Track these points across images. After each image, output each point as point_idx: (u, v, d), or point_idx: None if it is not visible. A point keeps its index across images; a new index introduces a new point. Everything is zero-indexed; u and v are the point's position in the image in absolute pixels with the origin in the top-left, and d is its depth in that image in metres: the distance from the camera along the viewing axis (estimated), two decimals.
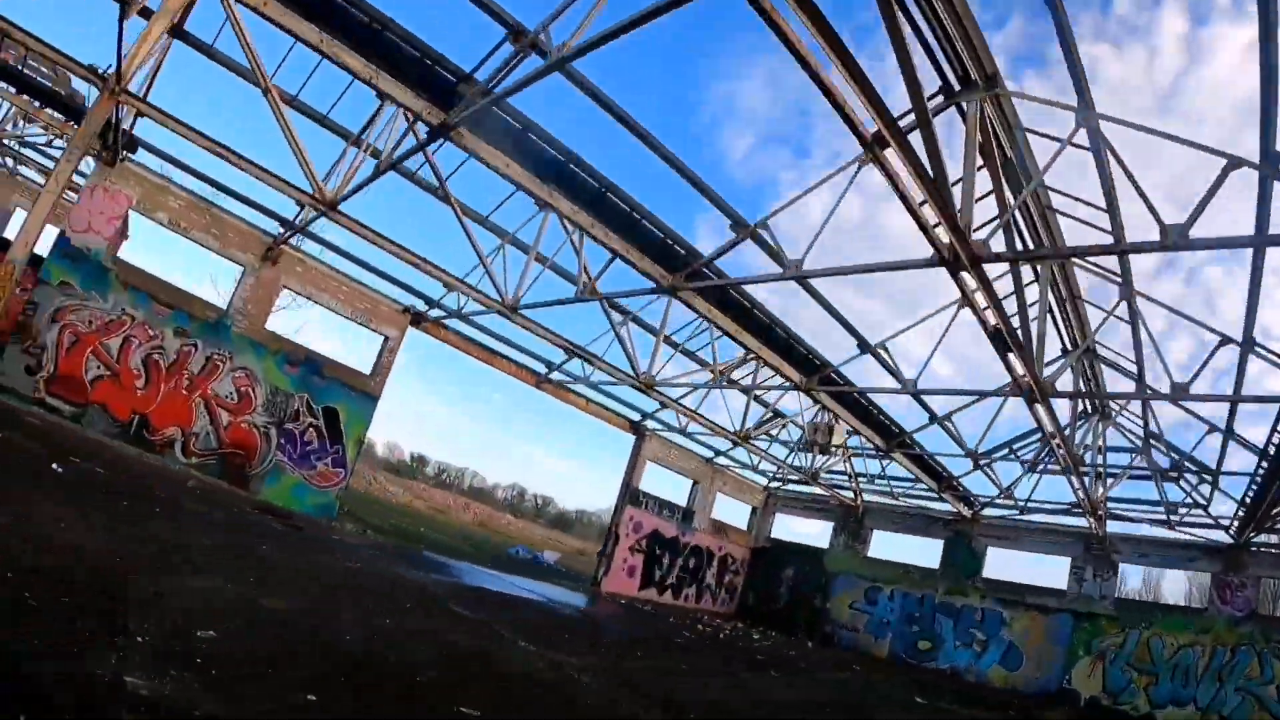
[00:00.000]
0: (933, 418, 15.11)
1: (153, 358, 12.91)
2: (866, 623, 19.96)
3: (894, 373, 12.34)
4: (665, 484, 24.09)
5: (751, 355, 13.46)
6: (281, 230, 13.95)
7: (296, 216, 13.35)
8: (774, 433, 20.11)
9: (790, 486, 23.85)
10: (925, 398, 14.28)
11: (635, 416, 21.47)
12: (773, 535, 23.89)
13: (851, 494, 21.68)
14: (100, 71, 10.63)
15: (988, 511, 19.57)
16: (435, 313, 16.38)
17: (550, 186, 9.49)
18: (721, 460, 23.26)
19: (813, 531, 32.80)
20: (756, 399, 17.97)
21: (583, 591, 19.39)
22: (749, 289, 11.72)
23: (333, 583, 8.73)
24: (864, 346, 12.55)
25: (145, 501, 9.39)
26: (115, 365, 12.56)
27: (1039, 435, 15.24)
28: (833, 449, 18.83)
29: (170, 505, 9.78)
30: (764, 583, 22.74)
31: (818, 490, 22.01)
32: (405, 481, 47.51)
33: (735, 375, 18.62)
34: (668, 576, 21.54)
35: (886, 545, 22.84)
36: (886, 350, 12.34)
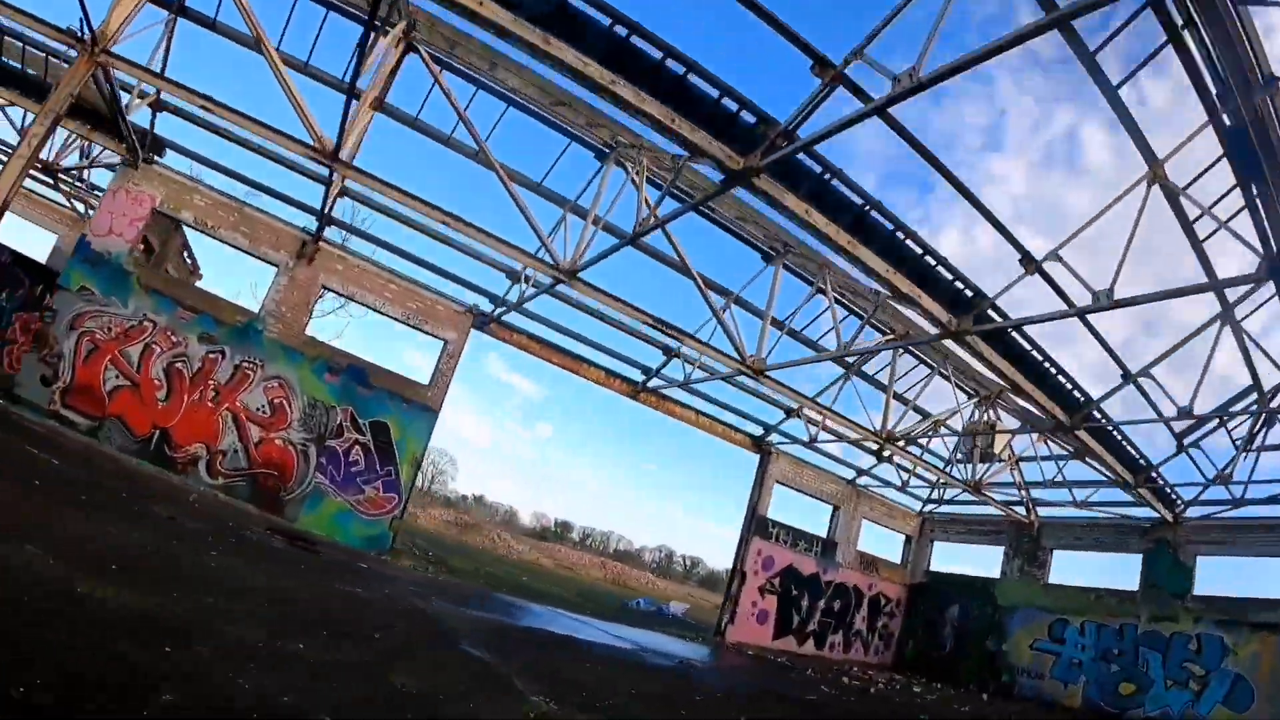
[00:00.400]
0: (1126, 376, 10.43)
1: (175, 366, 11.53)
2: (1053, 665, 15.47)
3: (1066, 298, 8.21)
4: (798, 512, 19.44)
5: (887, 294, 9.71)
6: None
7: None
8: (924, 440, 15.72)
9: (947, 508, 19.63)
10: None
11: (757, 431, 17.78)
12: (931, 568, 19.54)
13: (1023, 509, 16.87)
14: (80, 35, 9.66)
15: (1192, 511, 14.65)
16: (506, 313, 14.14)
17: (849, 235, 8.56)
18: (864, 481, 19.12)
19: (979, 559, 27.39)
20: (898, 397, 13.96)
21: (701, 642, 15.62)
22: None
23: (301, 609, 6.06)
24: (1028, 262, 8.47)
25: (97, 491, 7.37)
26: (135, 375, 11.27)
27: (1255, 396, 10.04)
28: (996, 456, 14.40)
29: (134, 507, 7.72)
30: (924, 625, 18.46)
31: (982, 510, 17.89)
32: (543, 544, 45.86)
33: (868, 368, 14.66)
34: (808, 622, 17.39)
35: (1070, 567, 18.48)
36: (1061, 259, 8.10)
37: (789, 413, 17.23)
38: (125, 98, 10.75)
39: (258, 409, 11.99)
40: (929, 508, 19.87)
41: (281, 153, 11.18)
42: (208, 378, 11.68)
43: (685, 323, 16.30)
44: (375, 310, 13.31)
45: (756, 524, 17.17)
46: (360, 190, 12.61)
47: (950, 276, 9.34)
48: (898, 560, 19.68)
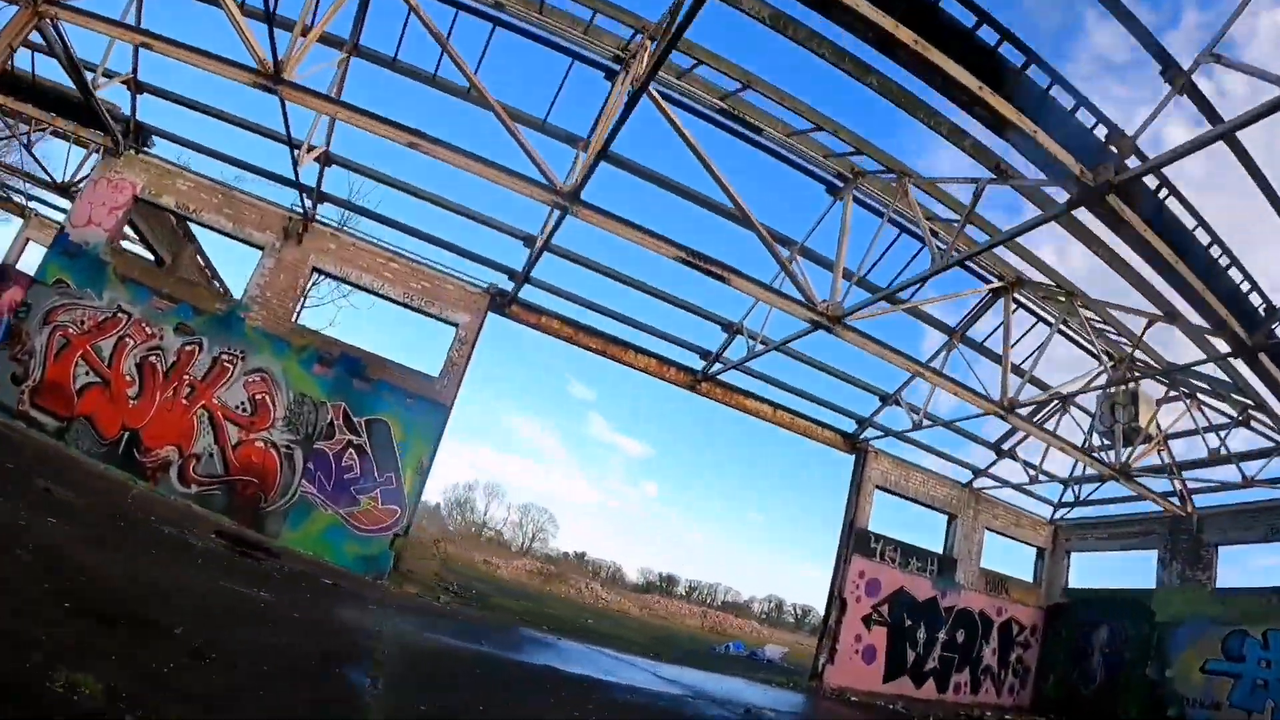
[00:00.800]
0: None
1: (149, 361, 10.30)
2: (1232, 690, 11.76)
3: None
4: (905, 525, 15.53)
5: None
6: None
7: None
8: (1050, 424, 12.04)
9: (1082, 512, 15.97)
10: None
11: (849, 426, 14.30)
12: (1069, 585, 15.81)
13: (1177, 500, 13.04)
14: None
15: None
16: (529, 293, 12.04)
17: None
18: (983, 484, 15.48)
19: (1126, 569, 21.93)
20: (1016, 370, 10.71)
21: (794, 687, 12.61)
22: None
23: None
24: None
25: None
26: (106, 371, 10.13)
27: None
28: (1144, 431, 11.23)
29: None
30: (1067, 655, 14.76)
31: (1126, 509, 14.78)
32: (644, 597, 43.23)
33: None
34: (926, 659, 13.93)
35: (1238, 566, 13.85)
36: None
37: (884, 400, 13.75)
38: (92, 78, 10.07)
39: (237, 406, 10.47)
40: (1061, 513, 16.18)
41: (234, 86, 9.88)
42: (183, 372, 10.36)
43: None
44: (372, 293, 11.66)
45: (856, 539, 13.72)
46: (347, 156, 11.29)
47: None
48: (1029, 578, 15.98)
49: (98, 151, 11.83)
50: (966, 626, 14.53)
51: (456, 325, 11.88)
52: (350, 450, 10.81)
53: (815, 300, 9.83)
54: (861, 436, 14.63)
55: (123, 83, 10.47)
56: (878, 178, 9.66)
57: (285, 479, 10.44)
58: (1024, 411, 11.88)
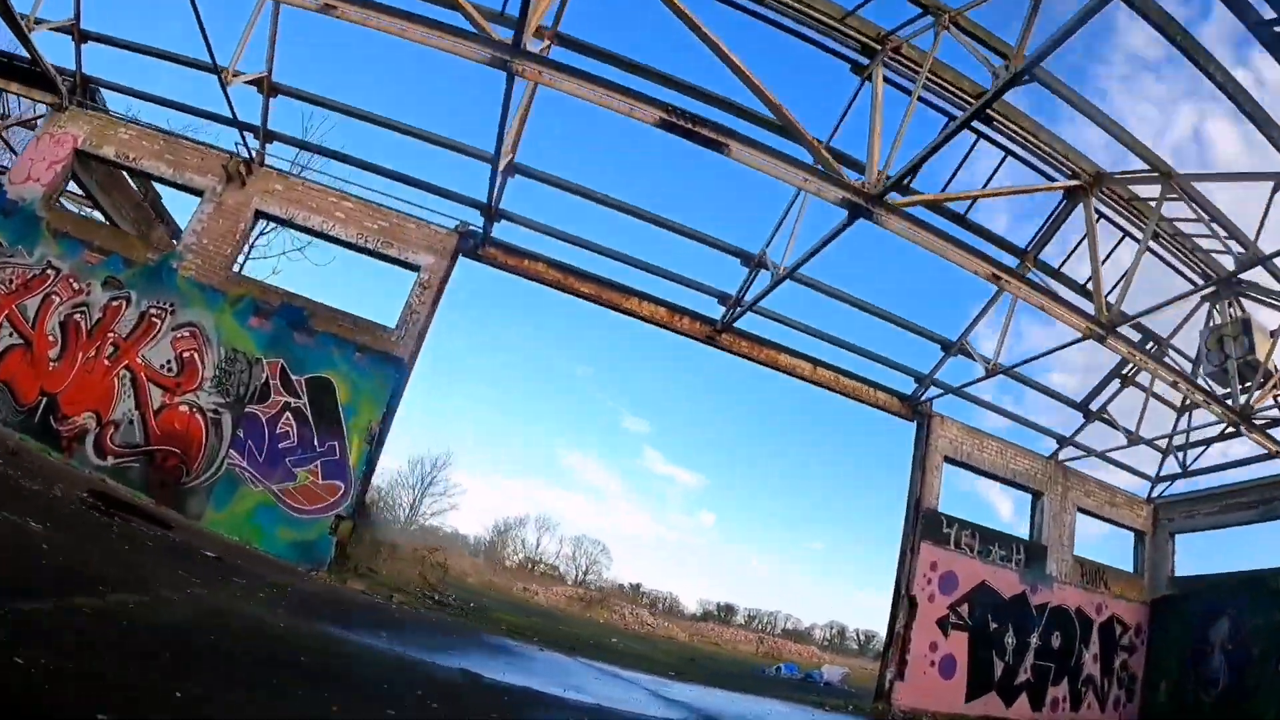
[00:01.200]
0: None
1: (73, 319, 9.19)
2: None
3: None
4: (978, 505, 11.58)
5: None
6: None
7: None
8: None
9: (1186, 485, 13.42)
10: None
11: (906, 386, 11.32)
12: (1175, 573, 13.26)
13: None
14: None
15: None
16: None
17: None
18: (1069, 455, 13.11)
19: (1244, 547, 18.24)
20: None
21: (854, 710, 10.39)
22: None
23: None
24: None
25: None
26: (30, 332, 9.11)
27: None
28: (1263, 365, 9.28)
29: None
30: (1180, 657, 12.11)
31: (1239, 476, 12.27)
32: (699, 625, 40.99)
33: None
34: (1017, 670, 11.45)
35: None
36: None
37: (946, 349, 10.72)
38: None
39: (162, 366, 9.08)
40: (1160, 490, 13.72)
41: None
42: (107, 330, 9.16)
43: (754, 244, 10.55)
44: (322, 235, 10.07)
45: (924, 522, 11.31)
46: (297, 86, 9.93)
47: None
48: (1127, 568, 13.47)
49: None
50: (1062, 628, 12.02)
51: (418, 268, 10.02)
52: (287, 414, 9.09)
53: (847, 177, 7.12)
54: (923, 397, 11.50)
55: (70, 34, 9.75)
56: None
57: (211, 449, 8.85)
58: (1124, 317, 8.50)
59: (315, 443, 9.04)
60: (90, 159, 10.16)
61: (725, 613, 53.10)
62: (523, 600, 30.02)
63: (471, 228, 10.43)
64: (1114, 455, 13.15)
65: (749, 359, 11.20)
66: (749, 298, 10.33)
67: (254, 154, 10.07)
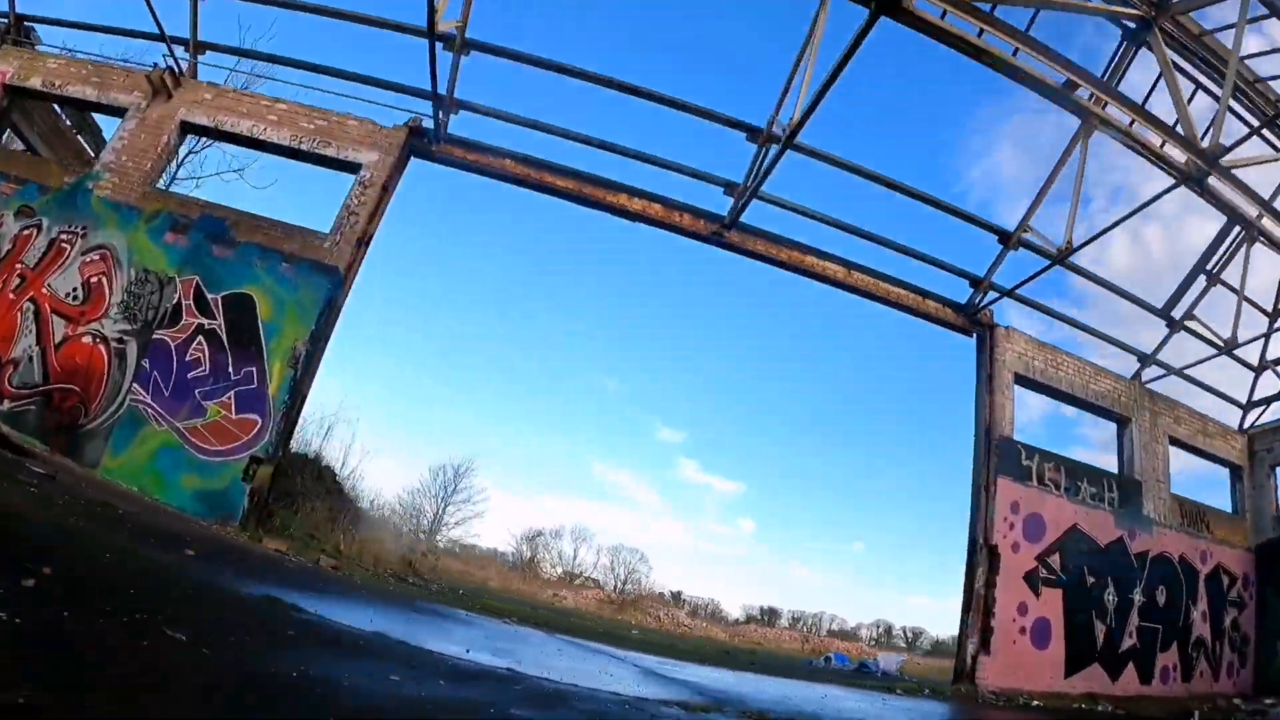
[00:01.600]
0: None
1: None
2: None
3: None
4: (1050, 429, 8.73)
5: None
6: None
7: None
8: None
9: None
10: None
11: (961, 293, 9.09)
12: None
13: None
14: None
15: None
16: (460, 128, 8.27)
17: None
18: (1151, 375, 11.22)
19: None
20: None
21: (930, 694, 7.85)
22: None
23: None
24: None
25: None
26: None
27: None
28: None
29: None
30: None
31: None
32: (741, 628, 38.73)
33: None
34: (1121, 634, 9.39)
35: None
36: None
37: (1005, 240, 8.84)
38: None
39: (68, 295, 7.76)
40: (1254, 417, 11.84)
41: None
42: (15, 262, 7.99)
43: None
44: (253, 144, 8.62)
45: (998, 453, 9.28)
46: None
47: None
48: (1226, 507, 11.50)
49: None
50: (1166, 581, 10.07)
51: (359, 166, 8.32)
52: (199, 339, 7.49)
53: None
54: (981, 304, 9.30)
55: None
56: None
57: (114, 384, 7.36)
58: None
59: (230, 370, 7.37)
60: (20, 93, 9.30)
61: (769, 616, 52.24)
62: (545, 603, 27.66)
63: (426, 124, 8.69)
64: (1199, 377, 11.53)
65: (767, 260, 8.87)
66: (762, 184, 7.96)
67: (179, 63, 8.85)
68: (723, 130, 8.67)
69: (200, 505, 6.94)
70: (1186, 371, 11.46)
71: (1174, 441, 11.15)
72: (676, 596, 48.09)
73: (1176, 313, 10.90)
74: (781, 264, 9.25)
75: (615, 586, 43.48)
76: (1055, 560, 9.17)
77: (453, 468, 43.11)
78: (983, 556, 8.78)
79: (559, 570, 46.14)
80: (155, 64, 8.84)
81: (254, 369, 7.39)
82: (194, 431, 7.18)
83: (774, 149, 8.09)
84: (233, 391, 7.31)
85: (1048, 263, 9.13)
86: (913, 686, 8.76)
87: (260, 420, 7.23)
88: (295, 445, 9.86)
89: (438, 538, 39.31)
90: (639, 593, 41.12)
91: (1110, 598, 9.42)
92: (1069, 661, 8.92)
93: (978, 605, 8.52)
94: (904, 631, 55.33)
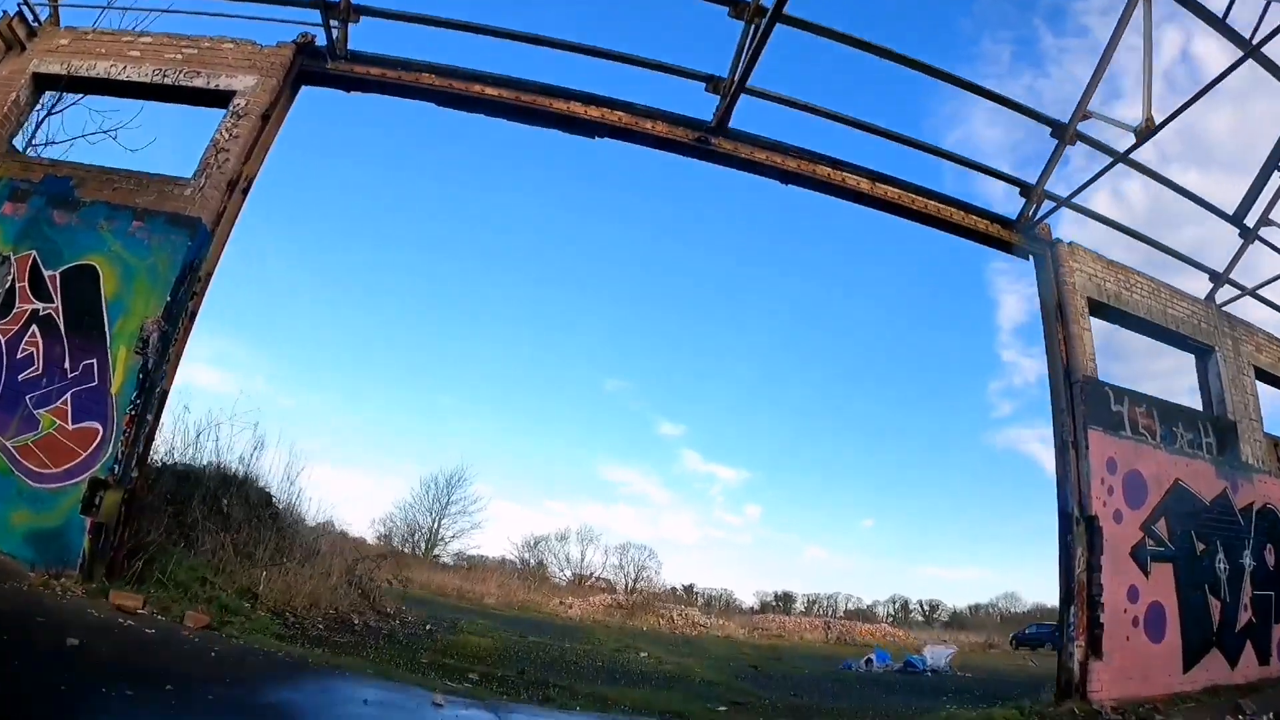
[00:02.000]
0: None
1: None
2: None
3: None
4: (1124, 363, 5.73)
5: None
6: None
7: None
8: None
9: None
10: None
11: (1011, 206, 7.97)
12: None
13: None
14: None
15: None
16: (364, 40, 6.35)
17: None
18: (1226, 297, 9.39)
19: None
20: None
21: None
22: None
23: None
24: None
25: None
26: None
27: None
28: None
29: None
30: None
31: None
32: (757, 618, 37.56)
33: None
34: (1236, 609, 7.66)
35: None
36: None
37: (1059, 132, 7.09)
38: None
39: None
40: None
41: None
42: None
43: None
44: (111, 88, 6.89)
45: (1085, 398, 7.30)
46: None
47: None
48: None
49: None
50: (1274, 538, 8.27)
51: (232, 94, 6.45)
52: (33, 329, 5.74)
53: None
54: (1036, 215, 7.91)
55: None
56: None
57: None
58: None
59: (66, 365, 5.58)
60: None
61: (784, 601, 52.24)
62: (548, 614, 25.83)
63: (321, 43, 6.78)
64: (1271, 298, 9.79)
65: (770, 172, 6.80)
66: (752, 71, 5.63)
67: (31, 9, 7.25)
68: (700, 10, 6.38)
69: (31, 550, 5.15)
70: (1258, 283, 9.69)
71: (1260, 373, 9.72)
72: (689, 590, 47.17)
73: (1249, 220, 8.80)
74: (788, 175, 6.99)
75: (626, 585, 41.95)
76: (1160, 528, 7.40)
77: (444, 478, 41.25)
78: (1080, 532, 6.87)
79: (568, 574, 44.64)
80: (4, 12, 7.30)
81: (95, 361, 5.58)
82: (25, 451, 5.41)
83: (763, 24, 5.79)
84: (69, 393, 5.52)
85: (1110, 160, 6.78)
86: (1013, 714, 6.17)
87: (101, 429, 5.40)
88: (212, 460, 8.12)
89: (436, 551, 37.94)
90: (650, 591, 39.57)
91: (1221, 565, 7.80)
92: (1186, 652, 7.29)
93: (1080, 596, 6.65)
94: (920, 605, 55.55)
